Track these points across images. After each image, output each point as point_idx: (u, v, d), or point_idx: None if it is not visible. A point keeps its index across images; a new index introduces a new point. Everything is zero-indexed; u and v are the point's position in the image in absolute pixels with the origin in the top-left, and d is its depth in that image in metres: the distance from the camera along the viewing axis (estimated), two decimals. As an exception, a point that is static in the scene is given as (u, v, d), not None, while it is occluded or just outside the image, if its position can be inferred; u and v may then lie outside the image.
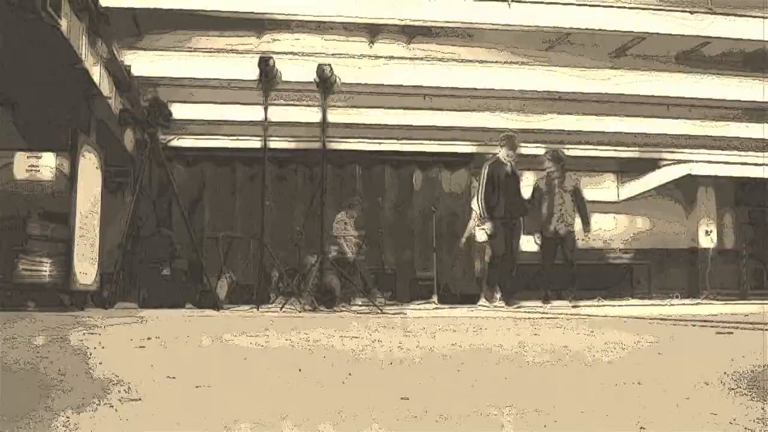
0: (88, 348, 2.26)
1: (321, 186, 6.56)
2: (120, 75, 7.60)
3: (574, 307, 7.13)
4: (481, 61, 8.31)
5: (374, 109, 9.75)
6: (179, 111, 8.46)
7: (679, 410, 1.16)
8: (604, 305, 8.73)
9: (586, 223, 7.92)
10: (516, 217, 7.67)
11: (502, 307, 7.77)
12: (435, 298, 9.06)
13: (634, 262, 14.54)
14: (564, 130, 10.73)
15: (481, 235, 8.86)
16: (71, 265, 5.45)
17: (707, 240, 14.52)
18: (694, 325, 3.77)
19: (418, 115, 10.02)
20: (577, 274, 7.92)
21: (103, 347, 2.35)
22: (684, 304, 9.51)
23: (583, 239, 8.11)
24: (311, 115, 8.55)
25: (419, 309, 7.28)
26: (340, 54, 7.82)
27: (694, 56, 8.47)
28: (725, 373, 1.61)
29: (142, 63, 7.85)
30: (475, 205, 8.73)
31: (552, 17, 6.94)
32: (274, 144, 9.22)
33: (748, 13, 7.08)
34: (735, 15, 7.08)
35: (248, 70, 6.59)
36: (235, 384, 1.45)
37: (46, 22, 4.99)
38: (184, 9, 6.55)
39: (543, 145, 11.53)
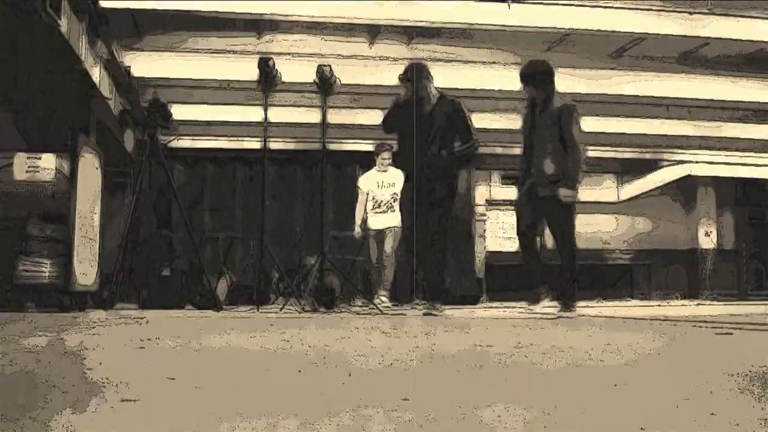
0: (87, 349, 2.26)
1: (321, 186, 6.56)
2: (120, 75, 7.61)
3: (566, 311, 5.19)
4: (481, 61, 8.32)
5: (374, 110, 9.75)
6: (179, 111, 8.47)
7: (679, 410, 1.16)
8: (603, 306, 8.71)
9: (569, 176, 5.06)
10: (435, 177, 5.44)
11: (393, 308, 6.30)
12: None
13: (634, 263, 14.56)
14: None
15: (375, 222, 7.37)
16: (71, 266, 5.45)
17: (707, 240, 14.53)
18: (693, 326, 3.77)
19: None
20: (575, 267, 5.38)
21: (102, 348, 2.35)
22: (684, 304, 9.51)
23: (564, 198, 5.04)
24: (311, 115, 8.55)
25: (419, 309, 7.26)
26: (340, 54, 7.82)
27: (694, 57, 8.48)
28: (725, 373, 1.61)
29: (141, 63, 7.86)
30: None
31: (552, 17, 6.95)
32: (274, 145, 9.23)
33: (748, 14, 7.09)
34: (735, 15, 7.09)
35: (248, 70, 6.60)
36: (234, 385, 1.45)
37: (46, 22, 4.99)
38: (183, 10, 6.56)
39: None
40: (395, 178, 7.03)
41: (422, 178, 5.48)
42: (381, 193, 7.37)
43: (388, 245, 7.22)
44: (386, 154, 7.31)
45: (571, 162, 5.06)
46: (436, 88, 5.70)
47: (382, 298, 6.82)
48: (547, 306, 5.31)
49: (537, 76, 5.25)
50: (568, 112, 5.11)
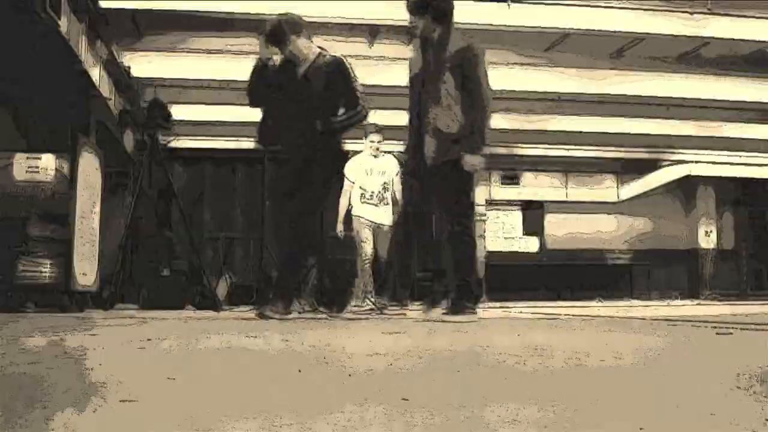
0: (87, 349, 2.26)
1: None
2: (119, 76, 7.61)
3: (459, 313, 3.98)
4: (481, 62, 8.32)
5: (374, 110, 9.76)
6: (179, 112, 8.48)
7: (679, 410, 1.15)
8: (601, 306, 8.70)
9: (474, 136, 4.00)
10: (312, 153, 4.31)
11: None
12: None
13: (634, 263, 14.56)
14: (564, 131, 10.74)
15: (365, 212, 6.42)
16: (71, 266, 5.46)
17: (707, 240, 14.54)
18: (694, 325, 3.77)
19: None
20: (474, 259, 4.16)
21: (102, 348, 2.35)
22: (684, 304, 9.51)
23: (473, 167, 4.02)
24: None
25: (419, 309, 7.26)
26: (340, 54, 7.83)
27: (694, 57, 8.48)
28: (725, 373, 1.61)
29: (141, 64, 7.86)
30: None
31: (552, 17, 6.96)
32: (274, 144, 9.23)
33: (748, 14, 7.09)
34: (735, 15, 7.10)
35: (248, 70, 6.59)
36: (234, 385, 1.45)
37: (46, 23, 4.99)
38: (183, 10, 6.56)
39: (543, 146, 11.62)
40: (387, 165, 6.45)
41: (296, 160, 4.36)
42: (369, 181, 6.48)
43: (381, 246, 6.34)
44: (376, 137, 6.52)
45: (478, 117, 4.02)
46: (319, 47, 4.57)
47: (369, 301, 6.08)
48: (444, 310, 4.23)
49: (436, 7, 4.17)
50: (472, 54, 4.08)
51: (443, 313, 4.19)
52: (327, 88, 4.39)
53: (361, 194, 6.52)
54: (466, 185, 4.16)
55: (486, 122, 4.06)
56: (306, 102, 4.37)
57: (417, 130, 4.26)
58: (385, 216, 6.49)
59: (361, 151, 6.68)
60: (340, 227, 6.61)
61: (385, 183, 6.48)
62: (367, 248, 6.44)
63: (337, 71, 4.44)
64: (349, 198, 6.55)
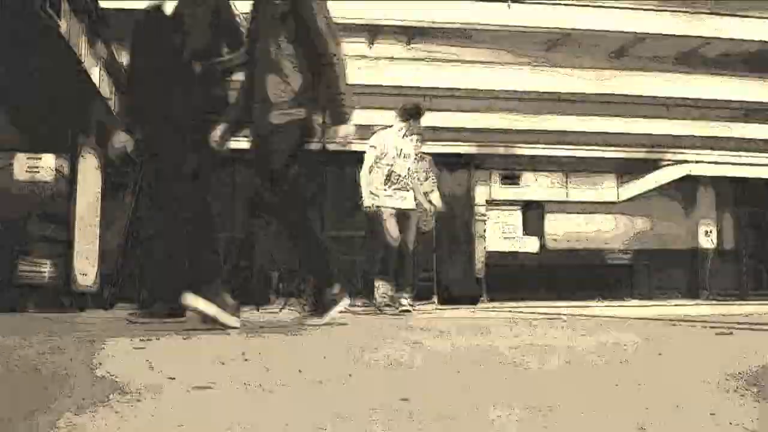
0: (87, 348, 2.26)
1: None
2: (120, 76, 7.61)
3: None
4: (481, 61, 8.33)
5: (374, 110, 9.76)
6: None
7: (679, 410, 1.16)
8: (601, 306, 8.70)
9: (334, 96, 3.32)
10: (180, 126, 3.54)
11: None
12: (435, 299, 9.07)
13: (634, 263, 14.56)
14: (564, 130, 10.74)
15: (391, 200, 5.84)
16: (71, 266, 5.46)
17: (707, 240, 14.54)
18: (693, 325, 3.77)
19: (417, 116, 10.05)
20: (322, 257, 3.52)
21: (102, 348, 2.35)
22: (684, 304, 9.52)
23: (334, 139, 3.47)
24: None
25: (419, 310, 7.27)
26: (340, 54, 7.84)
27: (695, 56, 8.48)
28: (725, 373, 1.61)
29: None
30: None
31: (552, 17, 6.97)
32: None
33: (748, 14, 7.10)
34: (735, 15, 7.10)
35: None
36: (235, 385, 1.45)
37: (46, 23, 4.99)
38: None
39: (543, 146, 11.61)
40: (411, 149, 6.00)
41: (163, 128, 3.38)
42: (399, 164, 5.91)
43: (410, 232, 5.95)
44: (419, 121, 6.05)
45: (331, 78, 3.24)
46: None
47: (403, 300, 5.74)
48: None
49: None
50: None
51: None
52: (203, 30, 3.51)
53: (386, 177, 5.88)
54: (282, 148, 3.40)
55: (340, 81, 3.22)
56: (176, 48, 3.44)
57: (246, 101, 3.46)
58: (410, 201, 6.01)
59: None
60: (369, 201, 5.81)
61: (409, 168, 6.00)
62: (392, 240, 5.79)
63: (218, 8, 3.56)
64: (372, 172, 5.92)
